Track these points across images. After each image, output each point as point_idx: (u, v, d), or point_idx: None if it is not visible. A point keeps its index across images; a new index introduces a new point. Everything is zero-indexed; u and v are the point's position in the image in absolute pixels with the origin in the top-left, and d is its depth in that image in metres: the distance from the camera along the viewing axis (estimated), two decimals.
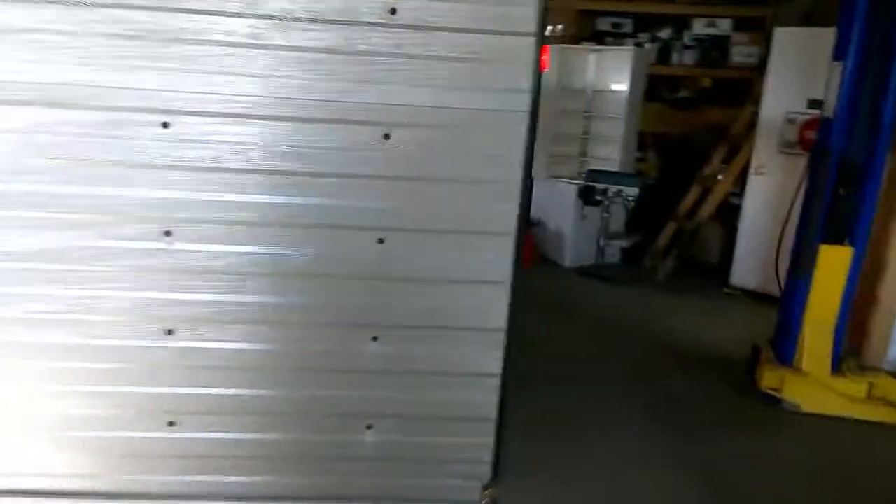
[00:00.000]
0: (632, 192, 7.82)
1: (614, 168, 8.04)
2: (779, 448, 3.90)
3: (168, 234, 2.07)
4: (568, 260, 8.23)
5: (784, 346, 4.37)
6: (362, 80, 2.01)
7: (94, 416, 2.19)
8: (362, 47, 1.98)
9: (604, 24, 9.65)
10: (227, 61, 1.96)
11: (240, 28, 1.94)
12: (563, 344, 5.84)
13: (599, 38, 9.27)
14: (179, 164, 2.02)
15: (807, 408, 4.19)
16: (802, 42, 6.64)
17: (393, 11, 1.97)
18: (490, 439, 2.33)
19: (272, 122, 2.01)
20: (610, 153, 8.08)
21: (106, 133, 1.96)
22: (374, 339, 2.23)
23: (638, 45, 9.05)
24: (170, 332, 2.16)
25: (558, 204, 8.27)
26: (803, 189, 4.24)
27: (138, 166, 2.00)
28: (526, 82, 2.05)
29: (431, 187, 2.11)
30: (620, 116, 7.87)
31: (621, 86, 7.76)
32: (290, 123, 2.02)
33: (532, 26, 2.01)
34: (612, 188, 7.79)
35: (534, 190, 8.35)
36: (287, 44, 1.96)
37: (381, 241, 2.15)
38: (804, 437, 4.06)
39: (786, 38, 6.77)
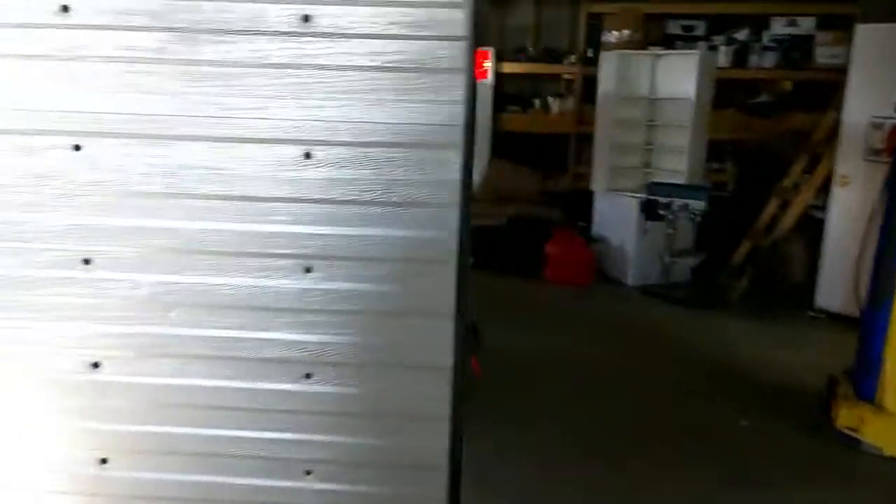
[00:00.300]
0: (698, 206, 7.31)
1: (681, 180, 7.53)
2: (857, 498, 3.45)
3: (87, 262, 1.97)
4: (631, 278, 7.79)
5: (864, 381, 3.87)
6: (277, 95, 1.83)
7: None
8: (275, 59, 1.81)
9: (674, 28, 9.14)
10: (135, 79, 1.83)
11: (147, 43, 1.82)
12: (616, 369, 5.47)
13: (669, 43, 8.78)
14: (92, 189, 1.91)
15: (890, 451, 3.67)
16: (889, 40, 6.01)
17: (306, 19, 1.79)
18: (441, 491, 2.08)
19: (185, 143, 1.87)
20: (676, 164, 7.59)
21: (16, 157, 1.88)
22: (308, 376, 2.04)
23: (712, 48, 8.51)
24: (96, 366, 2.05)
25: (620, 219, 7.86)
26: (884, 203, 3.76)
27: (53, 191, 1.91)
28: (458, 92, 1.82)
29: (359, 211, 1.91)
30: (686, 125, 7.38)
31: (687, 92, 7.28)
32: (204, 143, 1.87)
33: (462, 29, 1.78)
34: (676, 202, 7.31)
35: (594, 204, 8.00)
36: (196, 58, 1.82)
37: (308, 269, 1.96)
38: (886, 486, 3.58)
39: (870, 36, 6.15)
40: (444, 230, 1.91)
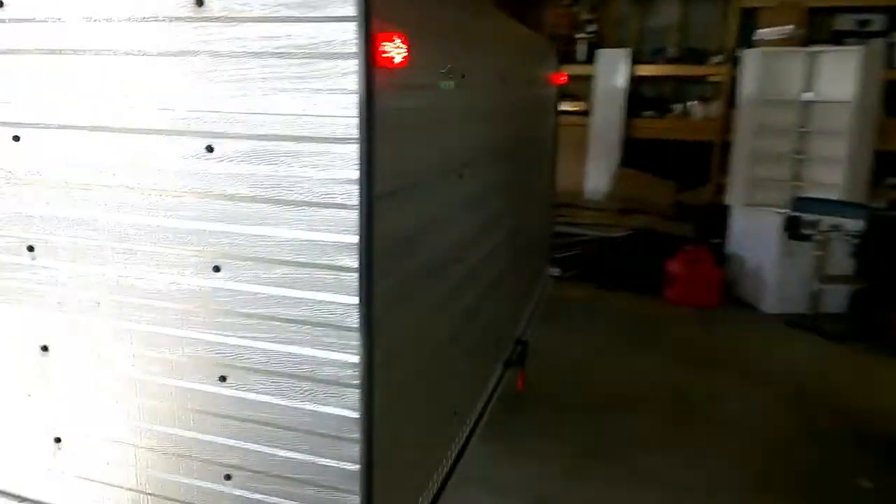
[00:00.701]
0: (855, 225, 6.34)
1: (836, 196, 6.58)
2: None
3: (31, 249, 2.04)
4: (768, 305, 6.95)
5: None
6: (175, 85, 1.76)
7: None
8: (171, 47, 1.74)
9: (845, 23, 8.04)
10: (46, 70, 1.86)
11: (52, 34, 1.83)
12: (734, 414, 4.82)
13: (837, 40, 7.73)
14: (31, 178, 1.97)
15: None
16: None
17: (200, 3, 1.70)
18: None
19: (99, 133, 1.87)
20: (830, 177, 6.65)
21: None
22: (223, 378, 1.95)
23: (891, 45, 7.38)
24: (45, 349, 2.12)
25: (759, 237, 7.04)
26: None
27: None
28: (351, 80, 1.62)
29: (259, 209, 1.78)
30: (844, 132, 6.42)
31: (846, 95, 6.34)
32: (112, 134, 1.85)
33: (350, 8, 1.59)
34: (826, 220, 6.39)
35: (730, 220, 7.20)
36: (95, 47, 1.80)
37: (217, 269, 1.87)
38: None
39: None
40: (343, 234, 1.72)
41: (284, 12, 1.64)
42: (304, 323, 1.83)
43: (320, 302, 1.80)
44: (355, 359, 1.80)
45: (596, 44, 8.52)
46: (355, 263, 1.73)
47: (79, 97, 1.86)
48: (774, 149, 6.86)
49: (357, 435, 1.84)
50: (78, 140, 1.90)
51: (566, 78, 5.08)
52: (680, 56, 8.21)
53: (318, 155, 1.70)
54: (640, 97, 8.45)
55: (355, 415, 1.84)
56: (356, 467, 1.87)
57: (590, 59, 8.46)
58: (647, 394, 5.02)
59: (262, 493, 2.00)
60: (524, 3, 9.05)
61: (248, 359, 1.91)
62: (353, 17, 1.60)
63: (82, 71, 1.84)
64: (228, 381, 1.95)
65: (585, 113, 8.56)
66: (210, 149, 1.79)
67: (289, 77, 1.68)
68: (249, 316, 1.88)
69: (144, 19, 1.75)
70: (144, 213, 1.89)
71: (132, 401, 2.08)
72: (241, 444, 1.99)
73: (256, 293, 1.85)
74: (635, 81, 8.33)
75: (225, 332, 1.91)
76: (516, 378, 3.73)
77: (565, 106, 8.82)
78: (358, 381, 1.81)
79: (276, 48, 1.68)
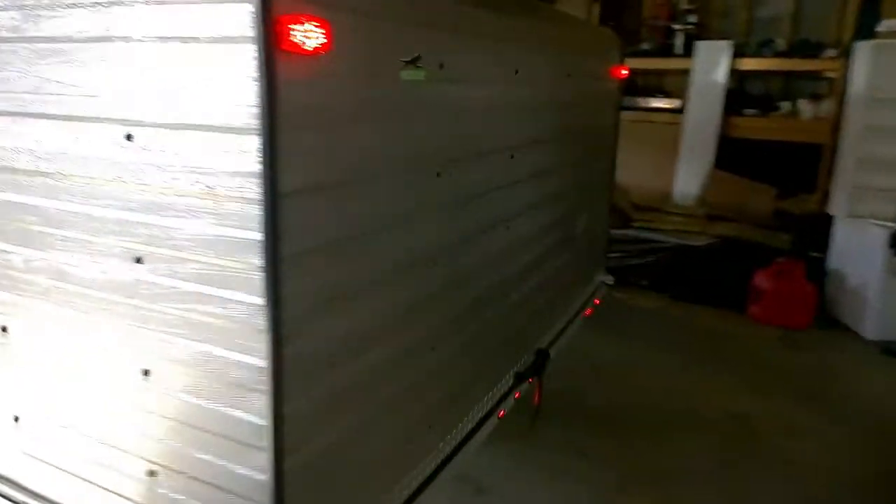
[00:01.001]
0: None
1: None
2: None
3: None
4: (867, 329, 6.25)
5: None
6: (90, 71, 1.73)
7: None
8: (82, 33, 1.71)
9: None
10: None
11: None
12: (804, 452, 4.35)
13: None
14: None
15: None
16: None
17: None
18: None
19: (38, 121, 1.87)
20: None
21: None
22: (146, 373, 1.91)
23: None
24: (4, 329, 2.17)
25: (863, 252, 6.34)
26: None
27: None
28: (248, 66, 1.50)
29: (172, 201, 1.71)
30: None
31: None
32: (49, 122, 1.85)
33: None
34: None
35: (833, 232, 6.49)
36: (9, 35, 1.81)
37: (138, 260, 1.82)
38: None
39: None
40: (248, 230, 1.61)
41: None
42: (215, 321, 1.74)
43: (229, 300, 1.71)
44: (263, 363, 1.69)
45: (696, 35, 7.93)
46: (260, 262, 1.62)
47: (23, 86, 1.87)
48: (885, 154, 6.10)
49: (265, 443, 1.74)
50: (21, 127, 1.92)
51: (628, 71, 4.72)
52: (790, 49, 7.46)
53: (223, 146, 1.61)
54: (741, 93, 7.77)
55: (263, 422, 1.73)
56: (264, 477, 1.76)
57: (688, 52, 7.89)
58: (708, 421, 4.60)
59: (183, 494, 1.94)
60: None
61: (170, 354, 1.86)
62: None
63: (17, 60, 1.85)
64: (151, 375, 1.90)
65: (680, 110, 8.01)
66: (129, 137, 1.74)
67: (194, 64, 1.60)
68: (168, 311, 1.82)
69: (68, 5, 1.73)
70: (77, 201, 1.88)
71: (72, 387, 2.10)
72: (163, 441, 1.94)
73: (174, 287, 1.79)
74: (737, 76, 7.68)
75: (148, 326, 1.87)
76: (534, 390, 3.50)
77: (657, 102, 8.32)
78: (265, 387, 1.70)
79: (182, 34, 1.60)
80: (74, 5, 1.71)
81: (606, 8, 8.74)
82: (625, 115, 8.40)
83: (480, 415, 2.95)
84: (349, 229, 1.89)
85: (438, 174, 2.33)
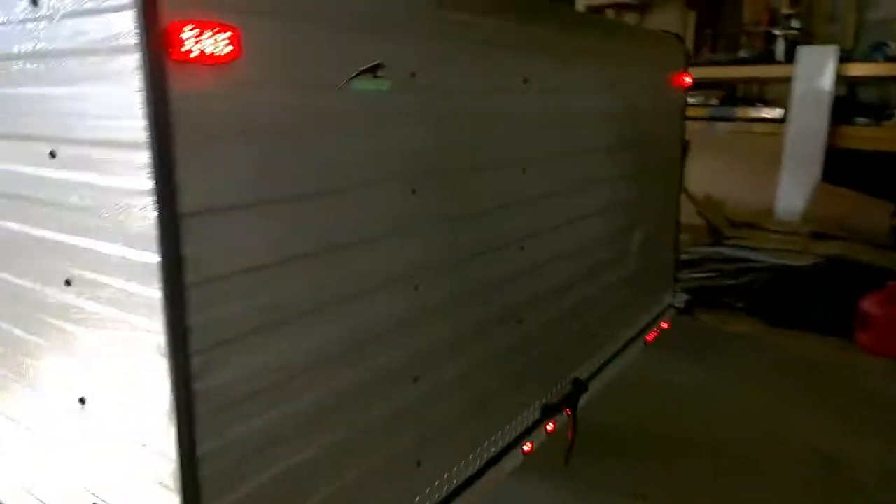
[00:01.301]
0: None
1: None
2: None
3: None
4: None
5: None
6: (20, 87, 1.70)
7: None
8: (14, 48, 1.67)
9: None
10: None
11: None
12: None
13: None
14: None
15: None
16: None
17: (34, 2, 1.60)
18: None
19: None
20: None
21: None
22: (82, 401, 1.84)
23: None
24: None
25: None
26: None
27: None
28: (132, 76, 1.41)
29: (87, 222, 1.64)
30: None
31: None
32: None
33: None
34: None
35: None
36: None
37: (68, 282, 1.77)
38: None
39: None
40: (147, 252, 1.51)
41: (87, 5, 1.48)
42: (127, 349, 1.65)
43: (137, 328, 1.60)
44: (166, 400, 1.56)
45: (799, 41, 7.25)
46: (158, 284, 1.51)
47: None
48: None
49: (177, 485, 1.61)
50: None
51: (692, 80, 4.31)
52: None
53: (122, 164, 1.51)
54: (851, 101, 7.01)
55: (172, 464, 1.60)
56: None
57: (790, 59, 7.22)
58: (793, 463, 4.07)
59: None
60: None
61: (103, 382, 1.78)
62: (128, 4, 1.38)
63: None
64: (87, 403, 1.83)
65: (782, 120, 7.33)
66: (52, 154, 1.69)
67: (94, 78, 1.52)
68: (101, 336, 1.74)
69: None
70: (15, 221, 1.86)
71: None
72: (100, 467, 1.86)
73: (99, 312, 1.71)
74: (845, 83, 6.93)
75: (80, 354, 1.80)
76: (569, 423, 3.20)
77: (758, 112, 7.68)
78: (172, 428, 1.57)
79: (74, 46, 1.53)
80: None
81: (703, 15, 8.22)
82: (722, 126, 7.89)
83: (491, 452, 2.71)
84: (277, 253, 1.73)
85: (414, 191, 2.15)
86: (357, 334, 2.01)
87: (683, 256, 6.95)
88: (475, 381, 2.59)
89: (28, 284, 1.87)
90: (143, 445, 1.67)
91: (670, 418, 4.60)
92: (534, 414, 3.01)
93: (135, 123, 1.44)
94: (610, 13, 9.00)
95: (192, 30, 1.43)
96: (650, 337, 4.18)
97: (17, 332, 1.97)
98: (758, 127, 7.60)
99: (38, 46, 1.61)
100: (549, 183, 2.92)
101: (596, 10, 8.92)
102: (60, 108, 1.62)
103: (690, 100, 8.22)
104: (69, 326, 1.79)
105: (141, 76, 1.41)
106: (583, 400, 3.28)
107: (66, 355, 1.84)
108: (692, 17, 8.21)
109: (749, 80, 7.77)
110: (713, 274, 6.69)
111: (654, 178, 4.08)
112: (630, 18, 8.98)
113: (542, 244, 2.89)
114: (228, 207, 1.59)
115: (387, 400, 2.17)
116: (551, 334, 3.07)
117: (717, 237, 6.96)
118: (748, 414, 4.67)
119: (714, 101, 7.95)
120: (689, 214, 7.89)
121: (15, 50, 1.67)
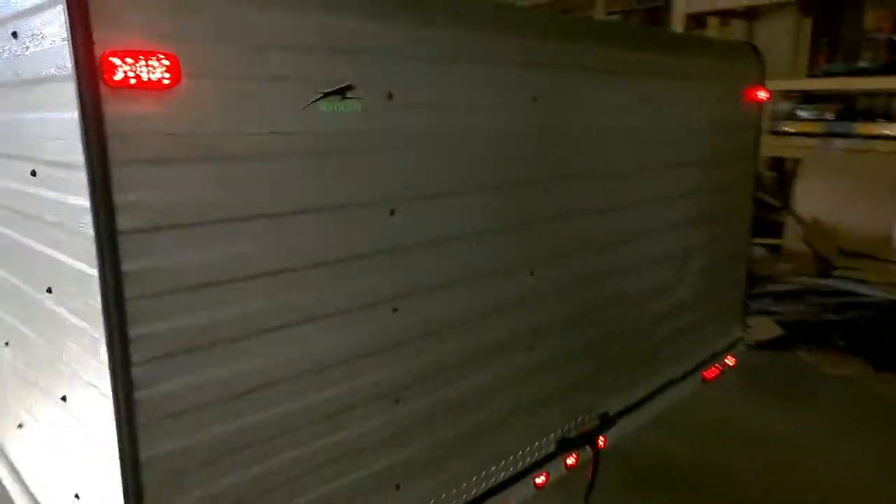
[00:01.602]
0: None
1: None
2: None
3: None
4: None
5: None
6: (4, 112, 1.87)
7: None
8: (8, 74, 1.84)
9: None
10: None
11: None
12: None
13: None
14: None
15: None
16: None
17: (15, 35, 1.76)
18: None
19: None
20: None
21: None
22: (20, 426, 1.98)
23: None
24: None
25: None
26: None
27: None
28: (72, 103, 1.50)
29: (59, 237, 1.77)
30: None
31: None
32: None
33: (56, 28, 1.48)
34: None
35: None
36: None
37: (49, 290, 1.91)
38: None
39: None
40: (86, 263, 1.61)
41: (47, 38, 1.61)
42: (86, 356, 1.75)
43: (93, 337, 1.70)
44: (109, 410, 1.65)
45: None
46: (97, 297, 1.60)
47: None
48: None
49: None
50: None
51: (768, 94, 3.98)
52: None
53: (73, 183, 1.62)
54: None
55: (117, 475, 1.68)
56: None
57: None
58: None
59: None
60: (835, 4, 7.44)
61: (74, 385, 1.90)
62: (68, 38, 1.48)
63: None
64: (23, 427, 1.97)
65: None
66: (34, 173, 1.84)
67: (46, 104, 1.67)
68: (69, 343, 1.87)
69: None
70: (9, 229, 2.04)
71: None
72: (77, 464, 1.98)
73: (68, 319, 1.84)
74: None
75: (61, 356, 1.94)
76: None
77: (881, 129, 6.96)
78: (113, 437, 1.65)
79: (39, 76, 1.67)
80: None
81: (819, 21, 7.60)
82: (838, 143, 7.23)
83: (491, 482, 2.63)
84: (225, 272, 1.76)
85: (392, 212, 2.14)
86: (324, 355, 2.02)
87: (783, 287, 6.43)
88: (471, 409, 2.52)
89: (26, 287, 2.05)
90: (96, 448, 1.76)
91: (734, 469, 4.24)
92: (548, 447, 2.89)
93: (77, 146, 1.54)
94: (713, 21, 8.52)
95: (125, 58, 1.51)
96: (710, 373, 3.88)
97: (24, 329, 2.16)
98: (880, 145, 6.90)
99: (17, 74, 1.76)
100: (574, 203, 2.80)
101: (697, 18, 8.49)
102: (34, 132, 1.77)
103: (803, 114, 7.63)
104: (53, 330, 1.93)
105: (75, 103, 1.50)
106: (611, 435, 3.11)
107: (55, 355, 1.98)
108: (807, 24, 7.61)
109: (871, 93, 7.07)
110: (816, 308, 6.12)
111: (716, 200, 3.80)
112: (737, 27, 8.47)
113: (557, 270, 2.77)
114: (171, 226, 1.65)
115: (364, 420, 2.16)
116: (570, 364, 2.93)
117: (823, 267, 6.37)
118: (830, 470, 4.21)
119: (829, 116, 7.30)
120: (793, 239, 7.29)
121: (2, 78, 1.84)
